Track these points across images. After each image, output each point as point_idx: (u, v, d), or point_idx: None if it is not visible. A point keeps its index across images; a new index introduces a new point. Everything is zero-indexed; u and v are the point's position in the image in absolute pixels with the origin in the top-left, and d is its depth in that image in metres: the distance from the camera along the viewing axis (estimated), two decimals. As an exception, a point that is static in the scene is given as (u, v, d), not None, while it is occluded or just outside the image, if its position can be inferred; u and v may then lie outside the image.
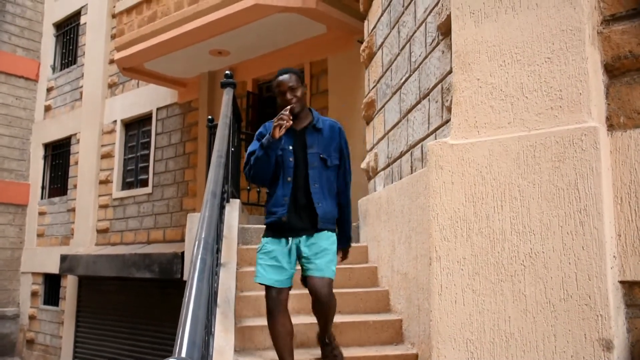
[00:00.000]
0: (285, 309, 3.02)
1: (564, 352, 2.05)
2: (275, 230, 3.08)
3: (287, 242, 3.05)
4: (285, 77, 3.08)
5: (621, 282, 2.05)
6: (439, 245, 2.41)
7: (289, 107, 2.95)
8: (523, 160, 2.24)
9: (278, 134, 2.89)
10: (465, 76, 2.46)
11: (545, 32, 2.23)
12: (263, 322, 3.84)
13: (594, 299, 2.01)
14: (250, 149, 3.14)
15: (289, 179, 3.07)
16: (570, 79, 2.15)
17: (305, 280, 3.05)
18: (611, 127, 2.13)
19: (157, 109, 11.01)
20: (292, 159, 3.08)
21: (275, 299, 2.97)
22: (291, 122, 2.90)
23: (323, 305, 3.00)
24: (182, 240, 9.51)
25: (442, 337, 2.37)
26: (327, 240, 3.08)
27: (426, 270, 3.24)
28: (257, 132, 3.20)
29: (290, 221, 3.04)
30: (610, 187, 2.08)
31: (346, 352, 3.36)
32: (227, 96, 4.76)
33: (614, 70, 2.14)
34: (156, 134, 11.00)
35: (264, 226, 3.13)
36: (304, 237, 3.06)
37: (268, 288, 2.99)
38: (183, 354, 1.53)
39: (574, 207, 2.09)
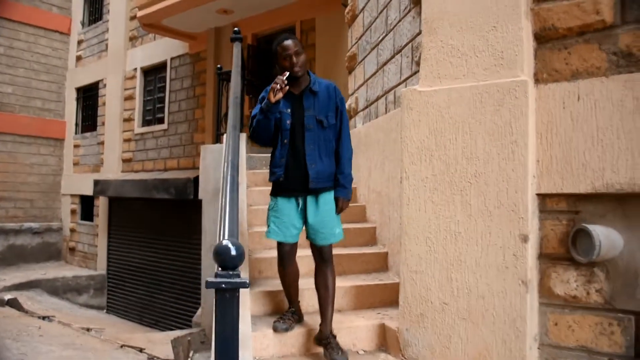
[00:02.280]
0: (294, 259, 2.87)
1: (496, 244, 2.28)
2: (282, 189, 2.80)
3: (296, 202, 2.78)
4: (290, 42, 2.71)
5: (537, 194, 2.25)
6: (408, 167, 2.55)
7: (286, 72, 2.63)
8: (473, 104, 2.35)
9: (274, 98, 2.58)
10: (431, 38, 2.56)
11: (492, 7, 2.34)
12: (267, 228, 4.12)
13: (518, 206, 2.22)
14: (253, 112, 2.82)
15: (285, 141, 2.76)
16: (509, 44, 2.28)
17: (310, 243, 2.84)
18: (537, 81, 2.27)
19: (171, 59, 10.90)
20: (289, 121, 2.75)
21: (288, 253, 2.80)
22: (287, 87, 2.58)
23: (328, 265, 2.82)
24: (194, 168, 9.69)
25: (408, 237, 2.56)
26: (329, 204, 2.78)
27: (396, 188, 3.44)
28: (259, 96, 2.84)
29: (288, 180, 2.77)
30: (534, 125, 2.24)
31: (333, 251, 3.57)
32: (236, 49, 4.76)
33: (540, 38, 2.27)
34: (170, 80, 10.94)
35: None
36: (310, 201, 2.76)
37: (280, 243, 2.79)
38: (226, 238, 1.77)
39: (508, 140, 2.25)
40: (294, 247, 2.83)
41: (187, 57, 10.56)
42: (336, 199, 2.81)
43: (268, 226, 2.82)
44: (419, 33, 3.03)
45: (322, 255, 2.81)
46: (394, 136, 3.55)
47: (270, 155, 2.91)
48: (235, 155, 2.57)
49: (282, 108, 2.74)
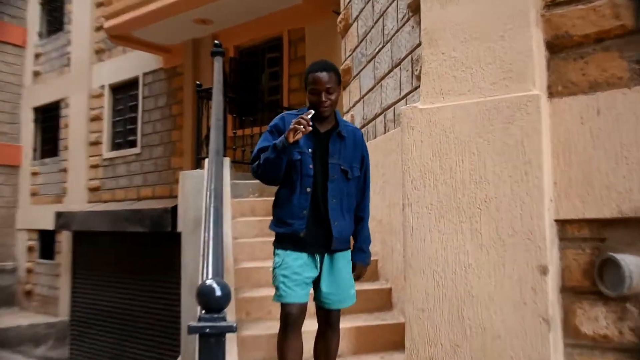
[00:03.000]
0: (301, 329, 2.63)
1: (511, 277, 2.27)
2: (295, 243, 2.63)
3: (309, 257, 2.65)
4: (324, 74, 2.58)
5: (556, 220, 2.26)
6: (411, 193, 2.56)
7: (311, 111, 2.55)
8: (480, 121, 2.37)
9: (293, 138, 2.46)
10: (432, 50, 2.58)
11: (498, 14, 2.38)
12: (255, 264, 4.12)
13: (535, 234, 2.22)
14: (260, 144, 2.66)
15: (308, 189, 2.63)
16: (519, 54, 2.31)
17: (318, 305, 2.74)
18: (551, 94, 2.30)
19: (144, 74, 11.03)
20: (312, 166, 2.63)
21: (296, 319, 2.57)
22: (310, 128, 2.47)
23: (335, 330, 2.75)
24: (171, 196, 9.69)
25: (413, 270, 2.54)
26: (346, 266, 2.72)
27: (399, 216, 3.46)
28: (271, 124, 2.70)
29: (307, 236, 2.62)
30: (549, 144, 2.27)
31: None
32: (217, 64, 4.88)
33: (553, 47, 2.32)
34: (143, 98, 11.06)
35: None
36: (325, 262, 2.68)
37: (288, 305, 2.56)
38: (210, 277, 1.81)
39: (520, 160, 2.27)
40: (304, 310, 2.62)
41: (162, 72, 10.68)
42: (354, 265, 2.76)
43: (277, 288, 2.60)
44: (419, 44, 3.09)
45: (329, 320, 2.73)
46: (395, 158, 3.58)
47: (275, 199, 2.75)
48: (219, 183, 2.62)
49: (302, 147, 2.62)
